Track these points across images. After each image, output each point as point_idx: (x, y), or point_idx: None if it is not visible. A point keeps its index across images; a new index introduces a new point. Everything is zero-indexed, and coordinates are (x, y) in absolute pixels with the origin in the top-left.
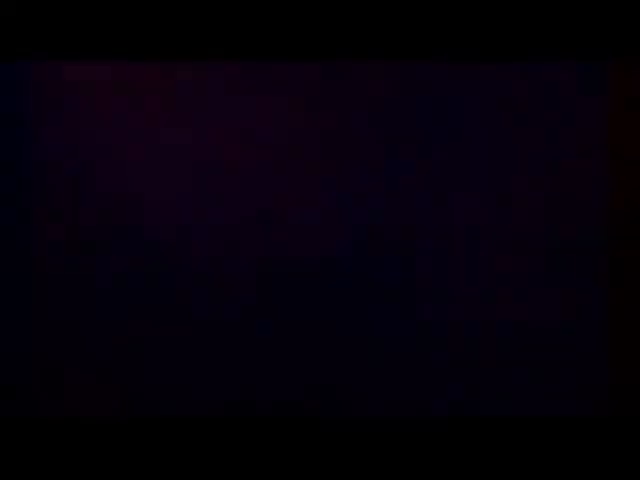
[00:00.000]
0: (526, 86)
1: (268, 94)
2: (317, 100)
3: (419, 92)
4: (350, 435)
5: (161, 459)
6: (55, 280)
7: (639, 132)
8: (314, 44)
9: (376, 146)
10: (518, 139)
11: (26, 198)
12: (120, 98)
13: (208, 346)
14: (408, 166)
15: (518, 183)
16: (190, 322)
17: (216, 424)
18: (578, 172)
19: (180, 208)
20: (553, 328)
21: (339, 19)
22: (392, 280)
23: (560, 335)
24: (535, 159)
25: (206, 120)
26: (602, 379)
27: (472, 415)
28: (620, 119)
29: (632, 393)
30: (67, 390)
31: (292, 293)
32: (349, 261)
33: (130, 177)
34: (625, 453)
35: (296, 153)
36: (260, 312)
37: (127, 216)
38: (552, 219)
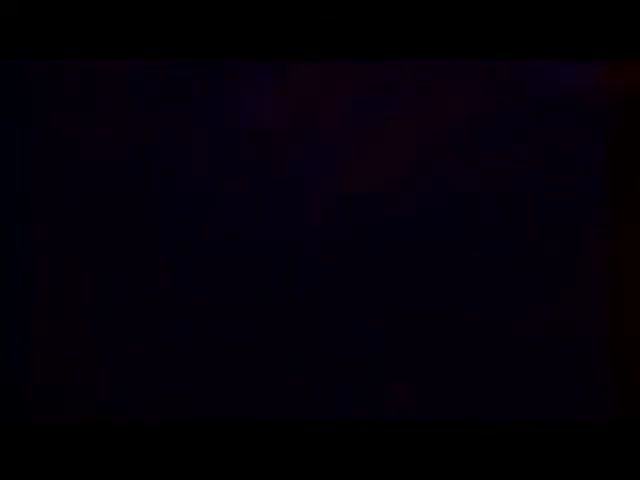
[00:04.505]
0: (526, 86)
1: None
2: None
3: (418, 90)
4: (349, 437)
5: (160, 463)
6: (55, 281)
7: (639, 132)
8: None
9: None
10: (517, 139)
11: (26, 198)
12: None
13: (209, 346)
14: (404, 166)
15: (517, 183)
16: (190, 322)
17: (216, 428)
18: (577, 172)
19: (182, 212)
20: (552, 329)
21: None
22: (391, 280)
23: (559, 336)
24: (534, 159)
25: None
26: (602, 381)
27: (469, 418)
28: (620, 119)
29: (632, 395)
30: (66, 392)
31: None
32: (333, 264)
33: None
34: (625, 456)
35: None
36: (259, 313)
37: (128, 216)
38: (552, 219)
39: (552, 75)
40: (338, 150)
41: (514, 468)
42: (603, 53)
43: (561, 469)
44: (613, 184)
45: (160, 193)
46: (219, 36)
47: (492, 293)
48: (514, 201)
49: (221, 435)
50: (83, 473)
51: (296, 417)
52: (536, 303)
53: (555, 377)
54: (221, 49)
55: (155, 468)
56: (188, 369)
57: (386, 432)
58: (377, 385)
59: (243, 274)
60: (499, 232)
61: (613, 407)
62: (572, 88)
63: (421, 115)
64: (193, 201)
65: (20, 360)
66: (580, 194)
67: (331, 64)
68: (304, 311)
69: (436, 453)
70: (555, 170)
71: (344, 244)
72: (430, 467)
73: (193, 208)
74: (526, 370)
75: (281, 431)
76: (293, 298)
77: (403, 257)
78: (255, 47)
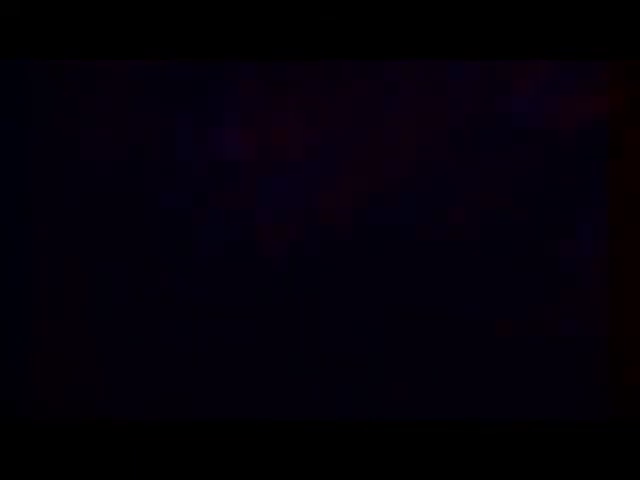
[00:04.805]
0: (526, 86)
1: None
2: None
3: (418, 90)
4: (349, 437)
5: (160, 463)
6: (55, 281)
7: (639, 132)
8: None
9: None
10: (517, 139)
11: (26, 198)
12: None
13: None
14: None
15: (517, 183)
16: (190, 322)
17: (216, 428)
18: (577, 172)
19: (184, 215)
20: (552, 329)
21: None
22: (391, 280)
23: (559, 336)
24: (534, 159)
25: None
26: (602, 381)
27: (469, 418)
28: (620, 119)
29: (632, 395)
30: (67, 392)
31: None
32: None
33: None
34: (625, 456)
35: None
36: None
37: (128, 216)
38: (552, 219)
39: (552, 75)
40: (338, 149)
41: (514, 468)
42: (603, 53)
43: (561, 469)
44: (613, 184)
45: (160, 193)
46: (219, 36)
47: (492, 293)
48: (514, 201)
49: (221, 435)
50: (83, 473)
51: (296, 417)
52: (536, 303)
53: (555, 377)
54: (221, 49)
55: (155, 468)
56: (188, 369)
57: (386, 432)
58: (377, 385)
59: (243, 274)
60: (499, 232)
61: (613, 407)
62: (572, 88)
63: (421, 115)
64: (193, 201)
65: (20, 360)
66: (580, 194)
67: (331, 64)
68: (304, 311)
69: (436, 453)
70: (555, 170)
71: (344, 244)
72: (430, 467)
73: (193, 208)
74: (526, 370)
75: (281, 431)
76: (293, 298)
77: (403, 257)
78: (255, 47)
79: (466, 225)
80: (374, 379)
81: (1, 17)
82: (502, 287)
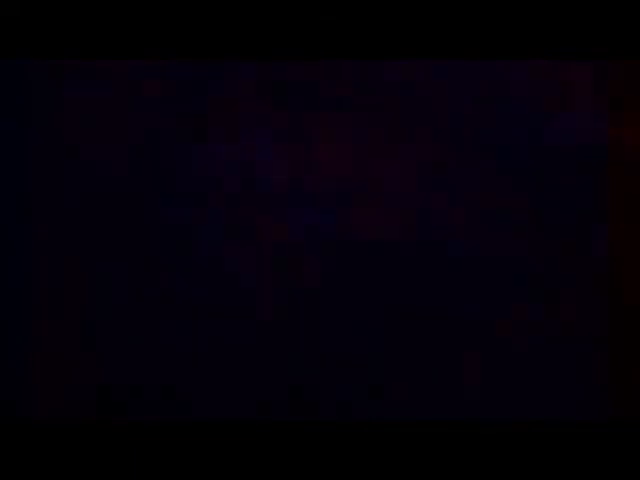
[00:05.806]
0: (526, 85)
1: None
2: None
3: (418, 90)
4: (349, 437)
5: (160, 463)
6: (55, 281)
7: (639, 132)
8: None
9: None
10: (517, 139)
11: (26, 198)
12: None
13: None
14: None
15: (517, 183)
16: (190, 322)
17: (216, 428)
18: (578, 172)
19: (183, 214)
20: (552, 329)
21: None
22: (391, 280)
23: (559, 336)
24: (534, 159)
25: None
26: (602, 381)
27: (469, 418)
28: (620, 119)
29: (632, 395)
30: (67, 392)
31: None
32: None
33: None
34: (625, 456)
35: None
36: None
37: (128, 216)
38: (552, 220)
39: (552, 75)
40: (338, 149)
41: (514, 468)
42: (603, 53)
43: (561, 469)
44: (613, 184)
45: (160, 193)
46: (219, 36)
47: (492, 293)
48: (514, 201)
49: (221, 435)
50: (83, 473)
51: (296, 417)
52: (536, 303)
53: (555, 377)
54: (221, 49)
55: (155, 468)
56: (188, 369)
57: (386, 432)
58: (377, 385)
59: (244, 274)
60: (499, 232)
61: (613, 407)
62: (572, 87)
63: (421, 115)
64: (193, 201)
65: (20, 360)
66: (580, 194)
67: (331, 64)
68: (304, 311)
69: (436, 453)
70: (555, 170)
71: (344, 244)
72: (430, 467)
73: (193, 208)
74: (526, 370)
75: (281, 431)
76: (293, 298)
77: (403, 257)
78: (255, 47)
79: (466, 225)
80: (374, 379)
81: (1, 17)
82: (502, 287)
